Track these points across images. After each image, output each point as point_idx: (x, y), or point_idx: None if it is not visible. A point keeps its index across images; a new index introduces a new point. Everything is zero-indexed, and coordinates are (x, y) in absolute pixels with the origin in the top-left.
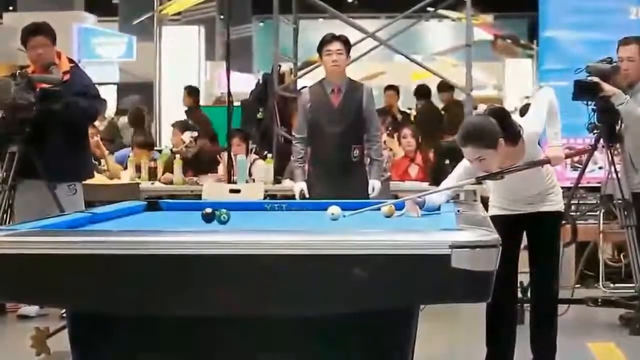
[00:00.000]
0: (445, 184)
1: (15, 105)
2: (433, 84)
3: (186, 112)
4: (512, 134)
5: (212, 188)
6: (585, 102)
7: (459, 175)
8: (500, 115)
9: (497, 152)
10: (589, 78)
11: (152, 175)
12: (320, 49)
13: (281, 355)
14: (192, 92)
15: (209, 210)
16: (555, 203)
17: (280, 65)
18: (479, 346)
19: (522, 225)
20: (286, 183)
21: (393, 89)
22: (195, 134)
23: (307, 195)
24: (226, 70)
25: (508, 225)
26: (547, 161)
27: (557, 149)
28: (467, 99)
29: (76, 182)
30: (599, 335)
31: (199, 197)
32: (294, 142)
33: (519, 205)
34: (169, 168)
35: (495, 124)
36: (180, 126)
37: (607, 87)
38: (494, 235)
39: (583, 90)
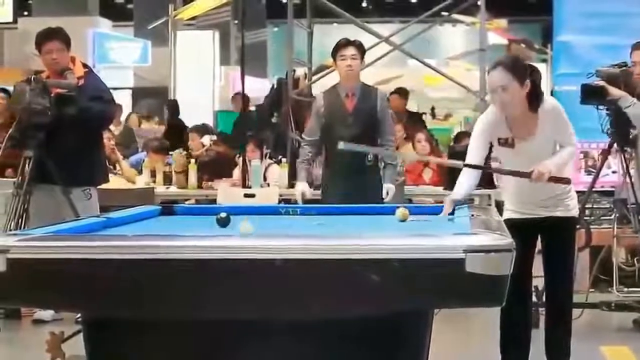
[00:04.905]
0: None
1: (30, 110)
2: (446, 88)
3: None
4: (536, 92)
5: (226, 192)
6: (595, 106)
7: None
8: (533, 69)
9: (520, 92)
10: (595, 82)
11: (167, 179)
12: (334, 53)
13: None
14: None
15: (223, 214)
16: (571, 208)
17: (294, 70)
18: (493, 351)
19: (537, 229)
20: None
21: (398, 92)
22: (214, 137)
23: (307, 197)
24: (241, 75)
25: (523, 229)
26: (528, 175)
27: (545, 166)
28: (481, 104)
29: (91, 186)
30: (613, 340)
31: (214, 201)
32: (302, 144)
33: (534, 208)
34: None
35: (527, 67)
36: (199, 130)
37: (613, 91)
38: (508, 240)
39: (589, 94)
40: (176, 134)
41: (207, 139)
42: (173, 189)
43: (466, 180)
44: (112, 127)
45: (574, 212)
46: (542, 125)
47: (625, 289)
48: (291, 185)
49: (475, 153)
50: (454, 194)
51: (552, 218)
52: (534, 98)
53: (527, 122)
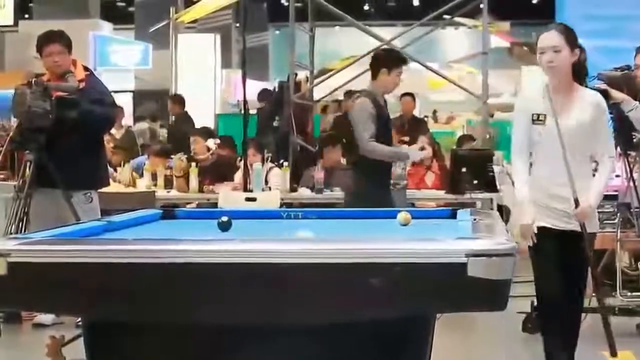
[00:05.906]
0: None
1: (31, 114)
2: (448, 91)
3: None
4: (580, 66)
5: (228, 196)
6: None
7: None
8: (581, 46)
9: (569, 57)
10: (597, 85)
11: (168, 183)
12: (390, 65)
13: None
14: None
15: (224, 218)
16: (593, 225)
17: (296, 73)
18: (494, 354)
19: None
20: (302, 191)
21: (410, 95)
22: (218, 140)
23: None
24: (242, 78)
25: (541, 240)
26: (576, 200)
27: (590, 205)
28: (484, 107)
29: (92, 190)
30: (616, 344)
31: (215, 205)
32: (373, 143)
33: (556, 217)
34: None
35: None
36: (203, 133)
37: (616, 94)
38: (510, 244)
39: None
40: None
41: (211, 143)
42: (174, 192)
43: (523, 165)
44: (113, 130)
45: (596, 228)
46: (579, 110)
47: (629, 294)
48: (293, 189)
49: (521, 133)
50: (525, 192)
51: (571, 233)
52: (578, 71)
53: (565, 97)
